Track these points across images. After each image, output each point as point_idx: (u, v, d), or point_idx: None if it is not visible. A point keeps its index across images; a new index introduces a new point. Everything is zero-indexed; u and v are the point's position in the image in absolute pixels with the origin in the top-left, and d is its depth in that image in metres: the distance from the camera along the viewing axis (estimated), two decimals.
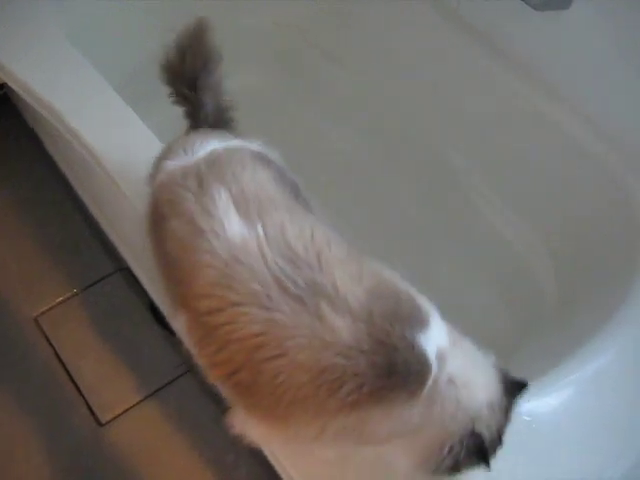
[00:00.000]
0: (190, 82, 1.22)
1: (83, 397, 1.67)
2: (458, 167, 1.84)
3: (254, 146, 1.14)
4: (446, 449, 0.90)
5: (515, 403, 0.96)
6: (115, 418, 1.65)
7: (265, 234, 0.91)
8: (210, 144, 1.09)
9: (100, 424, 1.64)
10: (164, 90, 1.98)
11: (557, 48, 1.59)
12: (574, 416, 1.17)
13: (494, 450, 0.93)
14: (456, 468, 0.93)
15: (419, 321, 0.89)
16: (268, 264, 0.88)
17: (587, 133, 1.55)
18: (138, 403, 1.66)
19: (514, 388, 0.96)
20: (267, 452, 1.19)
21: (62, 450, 1.61)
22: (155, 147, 1.34)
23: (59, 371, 1.71)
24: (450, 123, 1.85)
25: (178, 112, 1.97)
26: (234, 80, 2.07)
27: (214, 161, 1.04)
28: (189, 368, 1.71)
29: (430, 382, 0.86)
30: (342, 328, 0.84)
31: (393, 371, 0.84)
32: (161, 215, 1.01)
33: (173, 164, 1.07)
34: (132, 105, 1.46)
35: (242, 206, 0.95)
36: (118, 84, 1.51)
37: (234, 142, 1.13)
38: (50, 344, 1.75)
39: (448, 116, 1.84)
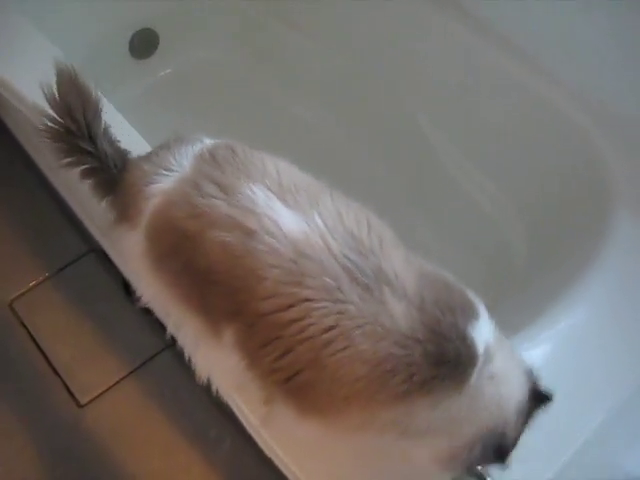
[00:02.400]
0: (85, 134, 1.11)
1: (61, 379, 1.66)
2: (431, 135, 1.83)
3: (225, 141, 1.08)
4: (477, 448, 0.91)
5: (536, 413, 0.96)
6: (94, 399, 1.64)
7: (325, 225, 0.89)
8: (188, 150, 1.03)
9: (80, 405, 1.63)
10: (127, 66, 1.98)
11: (536, 18, 1.58)
12: (546, 374, 1.18)
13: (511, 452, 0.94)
14: (472, 466, 0.95)
15: (470, 312, 0.89)
16: (336, 256, 0.86)
17: (558, 96, 1.56)
18: (117, 383, 1.65)
19: (538, 398, 0.96)
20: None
21: (43, 433, 1.61)
22: (121, 124, 1.33)
23: (36, 355, 1.69)
24: (424, 93, 1.83)
25: (144, 89, 1.96)
26: (198, 55, 2.07)
27: (218, 161, 0.98)
28: (167, 345, 1.69)
29: (475, 375, 0.86)
30: (399, 314, 0.85)
31: (444, 360, 0.84)
32: (183, 236, 0.93)
33: (162, 185, 0.99)
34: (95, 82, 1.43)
35: (288, 198, 0.91)
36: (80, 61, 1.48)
37: (207, 141, 1.07)
38: (26, 328, 1.73)
39: (423, 87, 1.83)
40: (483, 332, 0.88)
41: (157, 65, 2.02)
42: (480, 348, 0.87)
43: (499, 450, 0.92)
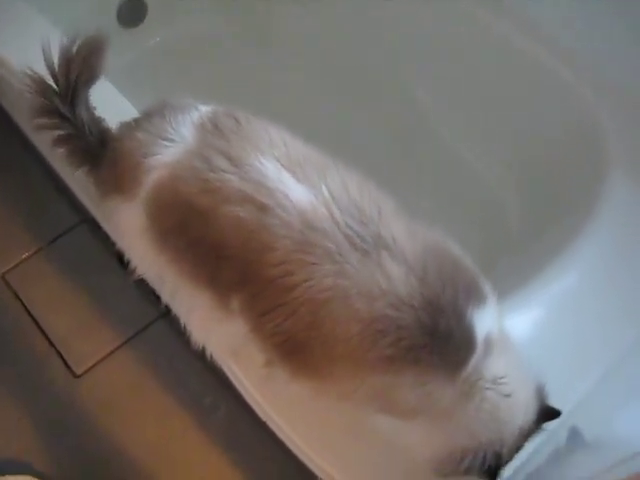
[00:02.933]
0: (67, 99, 1.10)
1: (56, 350, 1.66)
2: (423, 98, 1.83)
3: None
4: (467, 460, 0.91)
5: (540, 429, 0.96)
6: (90, 369, 1.64)
7: (332, 196, 0.91)
8: (186, 118, 1.02)
9: (75, 376, 1.63)
10: (115, 35, 1.94)
11: None
12: (541, 336, 1.19)
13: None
14: (458, 474, 0.94)
15: (474, 295, 0.89)
16: (339, 225, 0.89)
17: (552, 58, 1.55)
18: (112, 352, 1.66)
19: (546, 414, 0.96)
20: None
21: (40, 404, 1.61)
22: (111, 93, 1.32)
23: (31, 326, 1.70)
24: (416, 58, 1.82)
25: (132, 58, 1.94)
26: (187, 23, 2.05)
27: (222, 131, 0.98)
28: (161, 314, 1.70)
29: (472, 365, 0.86)
30: (397, 277, 0.86)
31: (435, 332, 0.84)
32: (194, 211, 0.94)
33: (164, 157, 0.98)
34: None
35: (297, 171, 0.93)
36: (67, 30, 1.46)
37: (202, 108, 1.06)
38: (20, 300, 1.73)
39: (414, 51, 1.82)
40: (485, 321, 0.88)
41: (145, 34, 1.99)
42: (479, 335, 0.86)
43: (491, 471, 0.92)
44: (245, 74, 1.95)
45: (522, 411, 0.91)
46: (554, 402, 1.02)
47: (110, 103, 1.27)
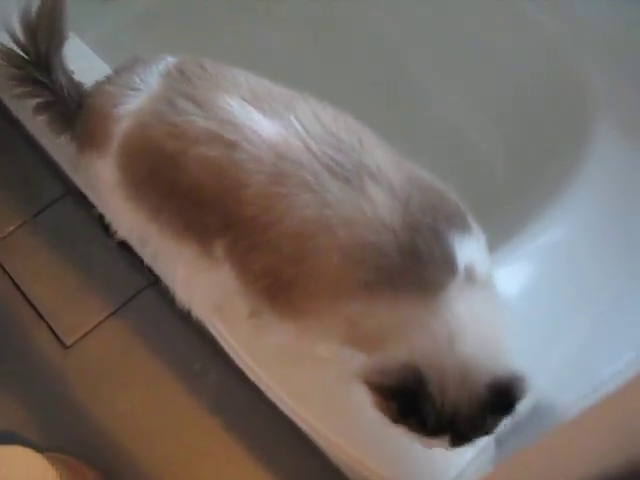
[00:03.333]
0: (42, 64, 1.09)
1: (46, 322, 1.67)
2: (406, 54, 1.82)
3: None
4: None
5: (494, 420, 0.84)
6: (79, 340, 1.65)
7: (303, 127, 0.90)
8: (153, 69, 1.01)
9: (65, 347, 1.64)
10: (96, 4, 1.93)
11: None
12: (527, 290, 1.18)
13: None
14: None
15: (456, 223, 0.87)
16: (316, 155, 0.87)
17: (537, 12, 1.54)
18: (101, 322, 1.66)
19: (497, 403, 0.82)
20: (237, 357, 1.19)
21: (31, 376, 1.62)
22: (93, 62, 1.30)
23: (18, 299, 1.70)
24: (399, 12, 1.80)
25: (114, 26, 1.91)
26: None
27: (188, 76, 0.97)
28: (149, 283, 1.69)
29: (450, 290, 0.82)
30: (381, 203, 0.85)
31: (415, 254, 0.82)
32: (163, 156, 0.93)
33: (131, 106, 0.98)
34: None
35: (264, 105, 0.92)
36: None
37: (170, 58, 1.05)
38: (7, 273, 1.73)
39: (403, 13, 1.80)
40: (467, 249, 0.85)
41: (123, 5, 1.96)
42: (459, 261, 0.84)
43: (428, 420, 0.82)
44: (232, 40, 1.93)
45: (490, 363, 0.82)
46: (544, 348, 1.01)
47: (90, 69, 1.26)
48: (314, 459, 1.44)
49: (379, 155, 0.90)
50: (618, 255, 1.24)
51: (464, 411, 0.80)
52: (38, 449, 1.22)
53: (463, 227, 0.88)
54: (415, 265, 0.82)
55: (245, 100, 0.92)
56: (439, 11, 1.70)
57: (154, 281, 1.69)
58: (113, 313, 1.67)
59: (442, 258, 0.83)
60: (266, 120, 0.90)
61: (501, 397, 0.79)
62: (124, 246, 1.64)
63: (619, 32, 1.47)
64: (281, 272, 0.90)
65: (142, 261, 1.59)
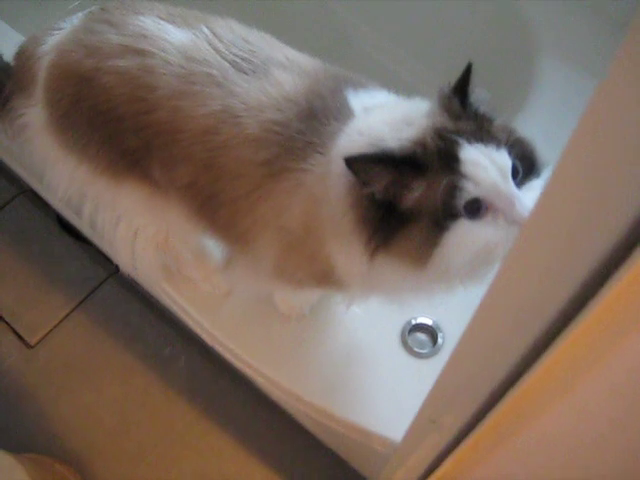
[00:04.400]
0: None
1: (7, 323, 1.62)
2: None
3: None
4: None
5: None
6: (44, 337, 1.61)
7: (214, 33, 0.90)
8: (77, 14, 1.01)
9: (30, 346, 1.59)
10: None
11: None
12: None
13: None
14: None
15: (355, 83, 0.87)
16: (223, 54, 0.88)
17: None
18: (65, 317, 1.62)
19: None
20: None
21: None
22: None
23: None
24: None
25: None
26: None
27: (108, 10, 0.97)
28: (110, 273, 1.66)
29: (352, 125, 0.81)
30: (286, 81, 0.85)
31: (311, 115, 0.83)
32: (82, 78, 0.92)
33: (53, 39, 0.97)
34: None
35: (177, 20, 0.93)
36: None
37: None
38: None
39: None
40: (364, 97, 0.85)
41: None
42: (355, 107, 0.83)
43: None
44: None
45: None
46: None
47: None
48: (289, 431, 1.41)
49: (290, 51, 0.91)
50: None
51: None
52: (9, 451, 1.19)
53: (361, 84, 0.88)
54: (312, 124, 0.82)
55: (160, 17, 0.93)
56: None
57: (115, 271, 1.66)
58: (76, 308, 1.63)
59: (337, 108, 0.83)
60: (178, 30, 0.91)
61: None
62: (81, 238, 1.62)
63: None
64: (202, 183, 0.89)
65: (101, 252, 1.57)
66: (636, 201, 0.34)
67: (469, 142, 0.73)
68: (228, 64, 0.87)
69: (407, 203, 0.74)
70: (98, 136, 0.94)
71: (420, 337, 1.12)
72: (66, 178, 1.02)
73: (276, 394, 1.14)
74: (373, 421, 1.03)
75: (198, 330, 1.17)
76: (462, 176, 0.71)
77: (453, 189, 0.71)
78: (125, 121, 0.91)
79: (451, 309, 1.10)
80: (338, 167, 0.78)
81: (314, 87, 0.85)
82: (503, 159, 0.73)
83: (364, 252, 0.78)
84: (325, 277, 0.88)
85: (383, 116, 0.81)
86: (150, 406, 1.52)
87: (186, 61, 0.87)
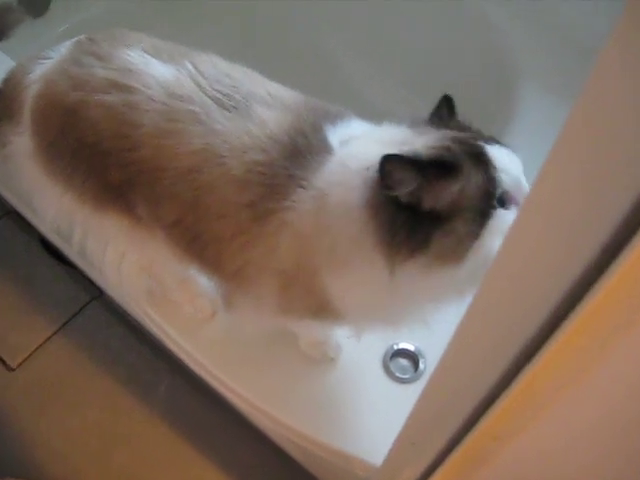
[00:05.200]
0: None
1: None
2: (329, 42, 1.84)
3: None
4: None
5: None
6: (25, 360, 1.59)
7: (197, 69, 0.91)
8: (65, 43, 1.01)
9: (11, 369, 1.58)
10: (22, 25, 1.91)
11: None
12: None
13: None
14: None
15: (335, 116, 0.88)
16: (205, 90, 0.88)
17: None
18: (46, 341, 1.61)
19: None
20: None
21: None
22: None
23: None
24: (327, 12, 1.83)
25: (42, 47, 1.90)
26: (94, 8, 2.02)
27: (96, 41, 0.97)
28: (93, 297, 1.66)
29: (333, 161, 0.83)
30: (269, 118, 0.86)
31: (296, 152, 0.83)
32: (68, 110, 0.93)
33: (41, 68, 0.98)
34: None
35: (162, 55, 0.93)
36: None
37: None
38: None
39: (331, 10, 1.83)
40: (342, 129, 0.87)
41: (53, 22, 1.95)
42: (333, 142, 0.85)
43: None
44: None
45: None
46: None
47: None
48: (271, 456, 1.41)
49: (272, 85, 0.92)
50: None
51: None
52: None
53: (342, 116, 0.89)
54: (295, 159, 0.83)
55: (145, 51, 0.94)
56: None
57: (98, 294, 1.66)
58: (58, 330, 1.63)
59: (318, 144, 0.84)
60: (162, 65, 0.92)
61: None
62: (65, 261, 1.62)
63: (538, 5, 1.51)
64: (188, 222, 0.90)
65: (85, 275, 1.57)
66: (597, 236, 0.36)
67: (487, 143, 0.79)
68: (210, 100, 0.87)
69: (439, 204, 0.75)
70: (83, 167, 0.95)
71: (402, 362, 1.13)
72: (54, 205, 1.03)
73: (258, 418, 1.14)
74: (355, 446, 1.04)
75: (181, 353, 1.17)
76: (496, 170, 0.76)
77: (493, 181, 0.76)
78: (110, 156, 0.92)
79: (432, 334, 1.11)
80: (336, 194, 0.80)
81: (296, 124, 0.86)
82: (516, 156, 0.80)
83: (385, 266, 0.78)
84: (320, 309, 0.89)
85: (368, 141, 0.83)
86: (132, 430, 1.51)
87: (169, 98, 0.88)
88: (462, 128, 0.84)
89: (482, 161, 0.76)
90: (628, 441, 0.52)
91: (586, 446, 0.54)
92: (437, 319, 1.00)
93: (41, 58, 1.00)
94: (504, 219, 0.76)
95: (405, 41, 1.68)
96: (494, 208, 0.75)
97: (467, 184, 0.75)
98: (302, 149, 0.84)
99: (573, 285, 0.39)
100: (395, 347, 1.13)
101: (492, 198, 0.76)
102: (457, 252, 0.76)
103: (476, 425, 0.56)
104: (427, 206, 0.75)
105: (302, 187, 0.83)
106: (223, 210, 0.86)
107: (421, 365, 1.11)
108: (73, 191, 0.98)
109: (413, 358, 1.13)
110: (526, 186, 0.77)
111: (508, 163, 0.77)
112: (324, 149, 0.84)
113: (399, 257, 0.77)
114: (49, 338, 1.62)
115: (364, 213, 0.78)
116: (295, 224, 0.83)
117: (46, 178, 1.00)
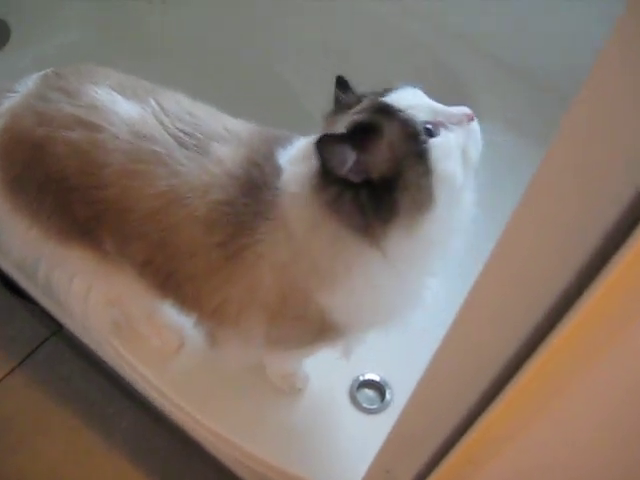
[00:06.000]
0: None
1: None
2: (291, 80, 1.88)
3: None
4: None
5: None
6: None
7: (160, 106, 0.91)
8: (33, 76, 1.00)
9: None
10: None
11: None
12: None
13: None
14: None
15: (285, 140, 0.89)
16: (168, 129, 0.89)
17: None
18: (5, 377, 1.59)
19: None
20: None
21: None
22: None
23: None
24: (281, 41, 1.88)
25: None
26: (54, 40, 2.01)
27: (63, 75, 0.97)
28: (52, 332, 1.64)
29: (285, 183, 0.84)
30: (226, 156, 0.87)
31: (254, 185, 0.84)
32: (34, 146, 0.92)
33: (7, 102, 0.97)
34: None
35: (127, 92, 0.93)
36: None
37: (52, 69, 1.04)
38: None
39: (279, 36, 1.87)
40: (289, 154, 0.87)
41: (13, 56, 1.95)
42: (283, 164, 0.86)
43: None
44: None
45: None
46: None
47: None
48: None
49: (229, 120, 0.93)
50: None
51: None
52: None
53: (288, 140, 0.90)
54: (254, 192, 0.85)
55: (112, 88, 0.94)
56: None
57: (58, 329, 1.64)
58: (17, 366, 1.60)
59: (272, 172, 0.85)
60: (127, 103, 0.92)
61: None
62: (24, 296, 1.60)
63: (500, 43, 1.57)
64: (158, 261, 0.90)
65: (44, 310, 1.55)
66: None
67: (385, 95, 0.83)
68: (172, 140, 0.88)
69: (382, 167, 0.77)
70: (49, 202, 0.94)
71: (369, 393, 1.14)
72: (19, 239, 1.02)
73: (226, 452, 1.14)
74: (325, 476, 1.04)
75: (146, 386, 1.16)
76: (403, 111, 0.79)
77: (407, 122, 0.78)
78: (76, 192, 0.91)
79: (397, 365, 1.13)
80: (295, 214, 0.82)
81: (251, 156, 0.87)
82: (413, 89, 0.84)
83: (373, 249, 0.79)
84: (320, 332, 0.90)
85: (299, 153, 0.86)
86: (96, 467, 1.48)
87: (134, 137, 0.88)
88: (361, 98, 0.86)
89: (389, 112, 0.79)
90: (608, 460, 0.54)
91: (564, 464, 0.56)
92: (404, 347, 1.02)
93: (8, 91, 0.99)
94: (441, 144, 0.78)
95: (362, 70, 1.72)
96: (425, 142, 0.77)
97: (391, 137, 0.77)
98: (258, 181, 0.85)
99: (554, 305, 0.41)
100: (361, 378, 1.14)
101: (418, 135, 0.78)
102: (423, 196, 0.78)
103: (452, 449, 0.57)
104: (375, 175, 0.77)
105: (267, 218, 0.84)
106: (193, 249, 0.87)
107: (387, 395, 1.12)
108: (39, 226, 0.97)
109: (379, 389, 1.14)
110: (437, 105, 0.81)
111: (410, 99, 0.81)
112: (277, 174, 0.85)
113: (379, 232, 0.78)
114: (7, 375, 1.59)
115: (327, 215, 0.79)
116: (270, 256, 0.84)
117: (11, 213, 0.99)
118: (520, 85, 1.57)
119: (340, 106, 0.86)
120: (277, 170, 0.85)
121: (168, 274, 0.91)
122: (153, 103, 0.92)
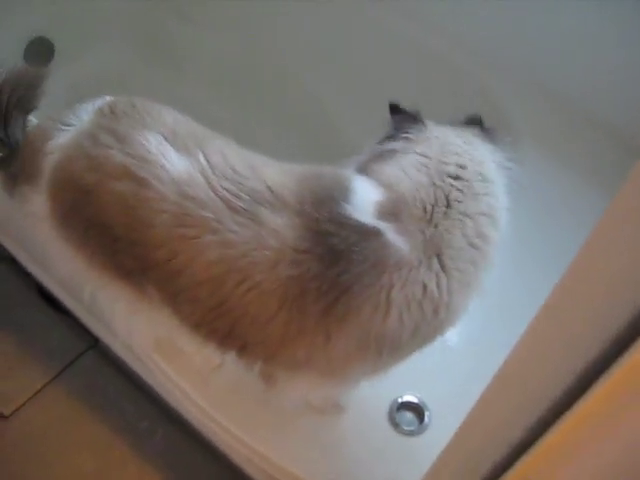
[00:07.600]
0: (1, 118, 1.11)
1: None
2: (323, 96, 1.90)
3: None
4: None
5: None
6: (19, 408, 1.58)
7: (208, 162, 0.89)
8: (89, 106, 1.02)
9: (4, 417, 1.57)
10: None
11: None
12: None
13: None
14: None
15: (341, 194, 0.87)
16: (215, 189, 0.87)
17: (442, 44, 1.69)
18: (42, 389, 1.61)
19: None
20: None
21: None
22: None
23: None
24: (314, 62, 1.91)
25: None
26: (92, 63, 2.05)
27: (117, 114, 0.97)
28: (90, 345, 1.66)
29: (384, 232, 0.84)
30: (283, 229, 0.84)
31: (337, 256, 0.83)
32: (82, 190, 0.93)
33: (60, 140, 0.98)
34: None
35: (178, 142, 0.92)
36: None
37: (109, 98, 1.05)
38: None
39: (310, 55, 1.91)
40: (362, 199, 0.87)
41: (58, 73, 1.98)
42: (368, 220, 0.85)
43: None
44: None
45: None
46: None
47: None
48: None
49: (268, 172, 0.90)
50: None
51: None
52: None
53: (344, 191, 0.88)
54: (343, 262, 0.83)
55: (164, 137, 0.93)
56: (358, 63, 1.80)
57: (94, 343, 1.66)
58: (53, 379, 1.62)
59: (355, 232, 0.84)
60: (176, 156, 0.90)
61: None
62: (61, 309, 1.62)
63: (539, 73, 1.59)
64: (217, 326, 0.89)
65: (80, 324, 1.58)
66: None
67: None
68: (220, 201, 0.86)
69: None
70: (93, 244, 0.95)
71: (407, 415, 1.14)
72: (66, 264, 1.03)
73: (263, 471, 1.15)
74: None
75: (185, 402, 1.17)
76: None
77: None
78: (121, 242, 0.91)
79: (434, 385, 1.14)
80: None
81: (310, 226, 0.85)
82: None
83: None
84: None
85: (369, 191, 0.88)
86: None
87: (180, 198, 0.87)
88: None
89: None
90: None
91: None
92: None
93: (62, 123, 1.00)
94: None
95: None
96: None
97: None
98: (342, 250, 0.83)
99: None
100: (400, 400, 1.15)
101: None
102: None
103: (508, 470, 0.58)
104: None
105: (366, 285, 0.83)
106: (265, 320, 0.86)
107: (426, 418, 1.12)
108: (83, 259, 0.98)
109: (418, 411, 1.14)
110: None
111: None
112: (364, 231, 0.84)
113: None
114: (44, 387, 1.61)
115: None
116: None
117: (60, 241, 1.00)
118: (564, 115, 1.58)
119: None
120: (357, 229, 0.84)
121: (227, 334, 0.90)
122: (202, 159, 0.90)
